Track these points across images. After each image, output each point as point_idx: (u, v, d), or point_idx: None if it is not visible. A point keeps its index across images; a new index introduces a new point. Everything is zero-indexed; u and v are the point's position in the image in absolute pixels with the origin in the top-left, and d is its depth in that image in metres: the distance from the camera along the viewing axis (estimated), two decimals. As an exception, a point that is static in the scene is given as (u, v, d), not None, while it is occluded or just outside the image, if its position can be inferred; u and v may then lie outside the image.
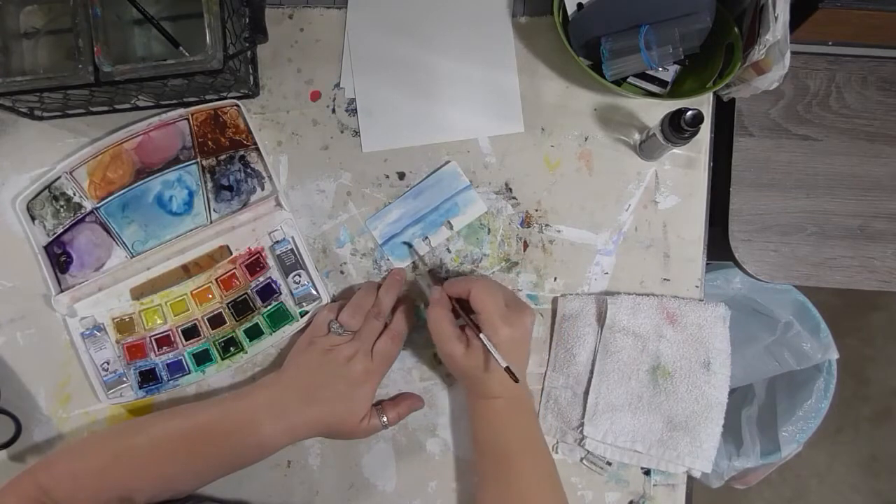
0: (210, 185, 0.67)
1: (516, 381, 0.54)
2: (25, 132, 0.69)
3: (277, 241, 0.65)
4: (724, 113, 0.72)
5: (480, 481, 0.60)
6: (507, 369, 0.54)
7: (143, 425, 0.59)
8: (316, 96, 0.69)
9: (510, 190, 0.67)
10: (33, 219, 0.67)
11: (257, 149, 0.67)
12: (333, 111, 0.69)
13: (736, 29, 0.63)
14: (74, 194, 0.67)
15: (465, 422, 0.65)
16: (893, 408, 1.51)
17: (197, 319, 0.66)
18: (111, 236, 0.67)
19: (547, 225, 0.67)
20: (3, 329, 0.67)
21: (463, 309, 0.59)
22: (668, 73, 0.66)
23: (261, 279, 0.66)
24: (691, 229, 0.66)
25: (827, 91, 0.73)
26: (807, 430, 1.05)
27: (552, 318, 0.66)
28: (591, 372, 0.64)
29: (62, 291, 0.65)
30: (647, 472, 0.64)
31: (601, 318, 0.64)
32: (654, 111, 0.67)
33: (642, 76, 0.66)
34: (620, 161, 0.67)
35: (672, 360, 0.63)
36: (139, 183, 0.67)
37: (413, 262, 0.67)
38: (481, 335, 0.55)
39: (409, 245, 0.66)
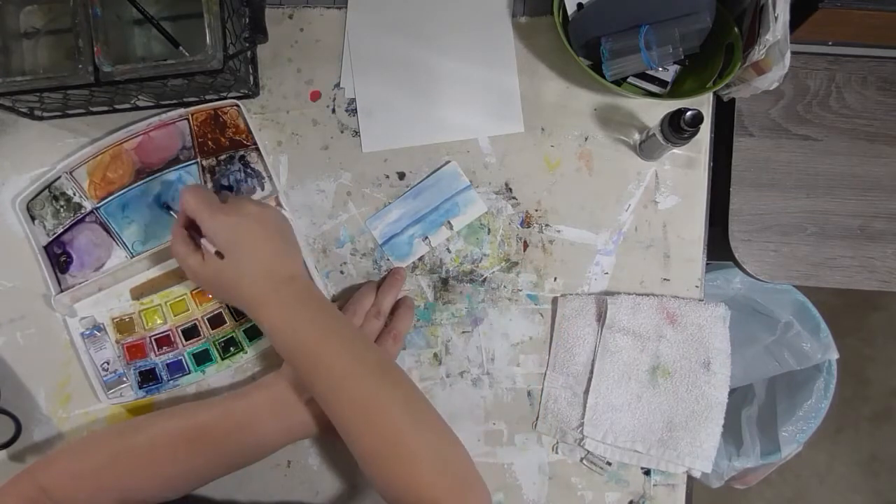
0: (210, 185, 0.67)
1: (221, 257, 0.53)
2: (25, 132, 0.69)
3: (277, 241, 0.65)
4: (724, 113, 0.72)
5: (306, 387, 0.56)
6: (217, 253, 0.53)
7: (142, 425, 0.59)
8: (316, 96, 0.69)
9: (510, 190, 0.67)
10: (33, 219, 0.67)
11: (257, 149, 0.67)
12: (333, 111, 0.69)
13: (736, 29, 0.63)
14: (74, 194, 0.67)
15: (466, 422, 0.65)
16: (893, 408, 1.51)
17: (197, 319, 0.66)
18: (111, 236, 0.67)
19: (547, 225, 0.67)
20: (3, 329, 0.67)
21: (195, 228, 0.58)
22: (668, 73, 0.66)
23: (261, 279, 0.65)
24: (691, 229, 0.66)
25: (827, 91, 0.73)
26: (807, 430, 1.05)
27: (552, 318, 0.66)
28: (591, 372, 0.64)
29: (62, 291, 0.65)
30: (647, 472, 0.64)
31: (601, 318, 0.64)
32: (654, 111, 0.67)
33: (642, 76, 0.66)
34: (620, 161, 0.67)
35: (672, 360, 0.63)
36: (139, 183, 0.67)
37: (413, 262, 0.67)
38: (203, 240, 0.54)
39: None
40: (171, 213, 0.65)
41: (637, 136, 0.67)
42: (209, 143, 0.67)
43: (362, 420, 0.51)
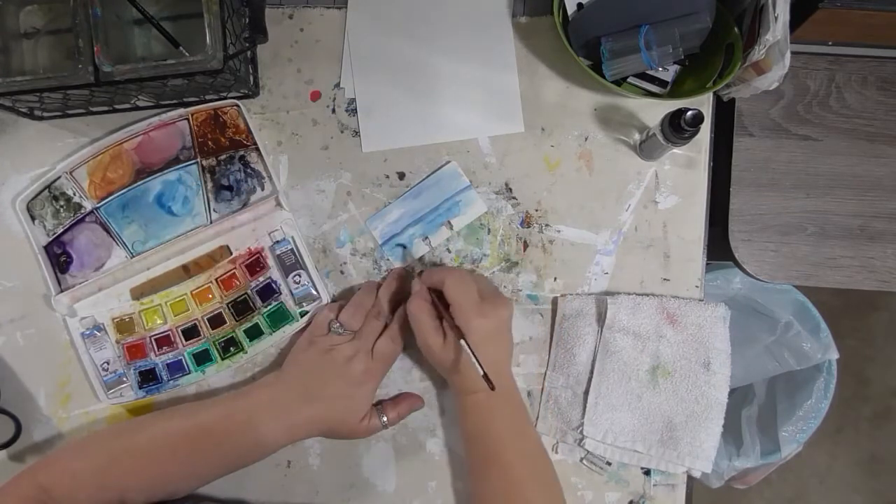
0: (210, 185, 0.67)
1: (492, 388, 0.53)
2: (25, 132, 0.69)
3: (277, 241, 0.65)
4: (724, 113, 0.72)
5: (471, 476, 0.60)
6: (485, 376, 0.53)
7: (142, 424, 0.59)
8: (316, 96, 0.69)
9: (510, 190, 0.67)
10: (33, 219, 0.67)
11: (257, 149, 0.67)
12: (333, 111, 0.69)
13: (736, 29, 0.63)
14: (74, 194, 0.67)
15: (465, 422, 0.65)
16: (893, 408, 1.51)
17: (197, 319, 0.66)
18: (111, 236, 0.67)
19: (547, 225, 0.67)
20: (3, 329, 0.67)
21: (441, 302, 0.59)
22: (668, 73, 0.66)
23: (261, 279, 0.66)
24: (691, 229, 0.66)
25: (827, 91, 0.73)
26: (807, 430, 1.05)
27: (552, 318, 0.66)
28: (591, 372, 0.64)
29: (62, 291, 0.65)
30: (647, 472, 0.64)
31: (601, 318, 0.64)
32: (654, 111, 0.67)
33: (642, 76, 0.66)
34: (620, 161, 0.67)
35: (672, 360, 0.63)
36: (139, 183, 0.67)
37: (412, 263, 0.67)
38: (462, 342, 0.55)
39: (404, 247, 0.66)
40: (407, 252, 0.66)
41: (637, 136, 0.67)
42: (209, 143, 0.67)
43: None
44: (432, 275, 0.60)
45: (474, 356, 0.54)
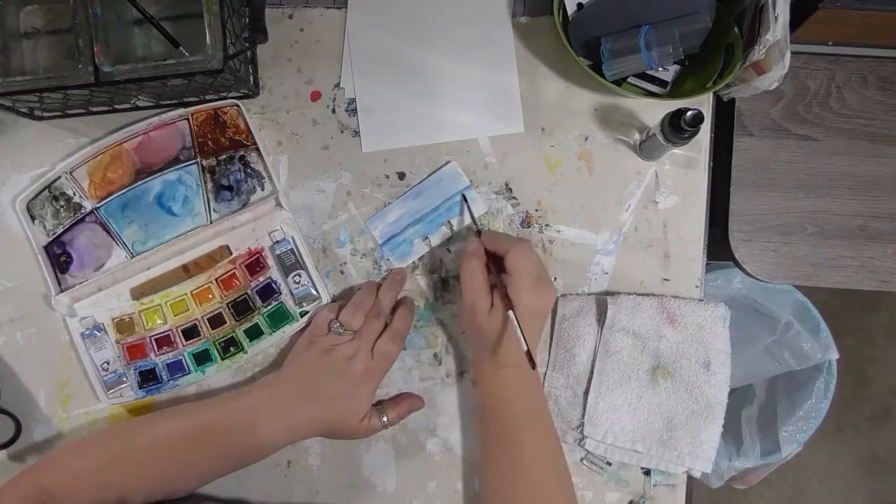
0: (210, 185, 0.67)
1: (533, 366, 0.53)
2: (25, 132, 0.69)
3: (277, 241, 0.65)
4: (724, 113, 0.72)
5: (483, 453, 0.60)
6: (528, 353, 0.53)
7: (143, 424, 0.59)
8: (316, 96, 0.69)
9: (510, 190, 0.67)
10: (33, 219, 0.67)
11: (257, 149, 0.67)
12: (333, 111, 0.69)
13: (736, 29, 0.63)
14: (74, 194, 0.67)
15: (466, 421, 0.65)
16: (893, 408, 1.51)
17: (197, 319, 0.66)
18: (111, 236, 0.67)
19: (547, 225, 0.67)
20: (3, 329, 0.67)
21: (497, 269, 0.58)
22: (668, 73, 0.66)
23: (261, 279, 0.66)
24: (691, 229, 0.66)
25: (827, 91, 0.73)
26: (807, 430, 1.05)
27: (552, 318, 0.66)
28: (591, 372, 0.64)
29: (62, 291, 0.65)
30: (647, 472, 0.64)
31: (601, 318, 0.64)
32: (654, 111, 0.67)
33: (642, 76, 0.66)
34: (620, 161, 0.67)
35: (672, 360, 0.63)
36: (139, 183, 0.67)
37: (413, 262, 0.67)
38: (510, 313, 0.54)
39: (465, 199, 0.66)
40: (466, 205, 0.65)
41: (637, 136, 0.67)
42: (209, 143, 0.67)
43: None
44: (497, 240, 0.59)
45: (521, 331, 0.53)
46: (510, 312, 0.54)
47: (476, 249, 0.60)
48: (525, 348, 0.53)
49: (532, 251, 0.59)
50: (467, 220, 0.66)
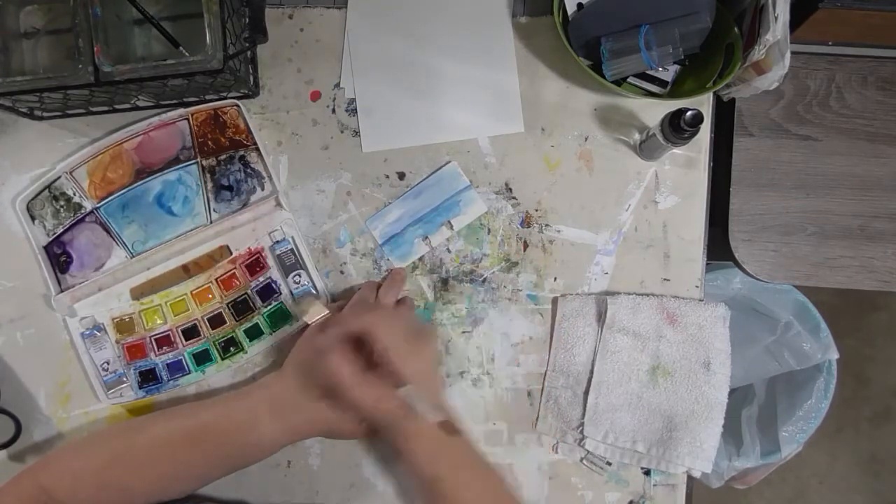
0: (210, 185, 0.67)
1: (454, 431, 0.51)
2: (25, 132, 0.69)
3: (277, 241, 0.65)
4: (724, 113, 0.72)
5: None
6: (445, 423, 0.51)
7: (143, 424, 0.59)
8: (316, 96, 0.69)
9: (510, 190, 0.67)
10: (33, 219, 0.67)
11: (257, 149, 0.67)
12: (333, 111, 0.69)
13: (736, 29, 0.63)
14: (74, 194, 0.67)
15: (466, 421, 0.65)
16: (893, 408, 1.51)
17: (197, 319, 0.66)
18: (111, 236, 0.67)
19: (547, 225, 0.67)
20: (3, 329, 0.67)
21: (364, 349, 0.56)
22: (668, 73, 0.66)
23: (261, 279, 0.66)
24: (691, 229, 0.66)
25: (827, 91, 0.73)
26: (807, 430, 1.05)
27: (552, 318, 0.66)
28: (591, 372, 0.64)
29: (62, 291, 0.65)
30: (647, 472, 0.64)
31: (601, 318, 0.64)
32: (654, 111, 0.67)
33: (642, 76, 0.66)
34: (620, 161, 0.67)
35: (672, 360, 0.63)
36: (139, 183, 0.67)
37: (413, 262, 0.67)
38: (403, 390, 0.52)
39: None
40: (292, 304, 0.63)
41: (637, 136, 0.67)
42: (209, 143, 0.67)
43: None
44: (348, 323, 0.56)
45: (421, 404, 0.52)
46: (402, 390, 0.53)
47: (333, 342, 0.55)
48: (438, 420, 0.51)
49: (387, 318, 0.56)
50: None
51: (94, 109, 0.68)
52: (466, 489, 0.54)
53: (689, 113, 0.56)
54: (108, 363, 0.65)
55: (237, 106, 0.66)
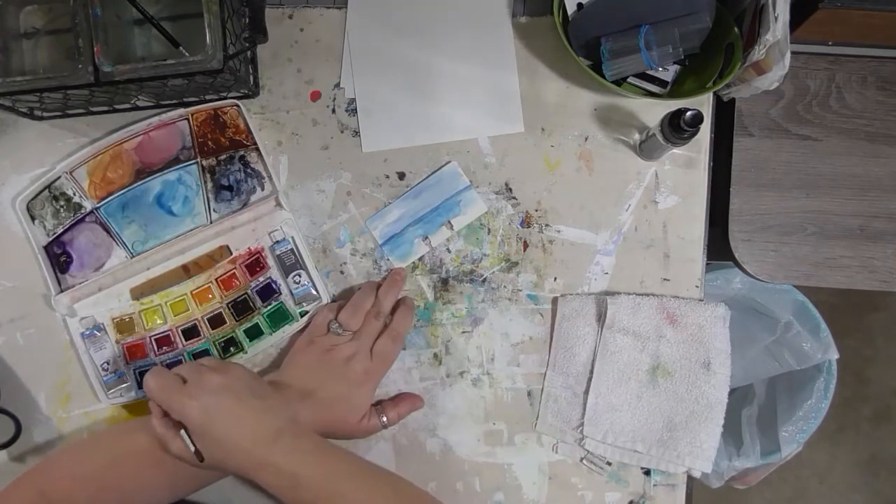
0: (210, 185, 0.67)
1: (201, 460, 0.50)
2: (25, 132, 0.69)
3: (277, 241, 0.65)
4: (724, 113, 0.72)
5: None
6: (196, 452, 0.50)
7: (143, 426, 0.59)
8: (316, 96, 0.69)
9: (510, 190, 0.67)
10: (33, 219, 0.67)
11: (257, 149, 0.67)
12: (333, 111, 0.69)
13: (736, 29, 0.63)
14: (74, 194, 0.67)
15: (466, 422, 0.65)
16: (893, 408, 1.51)
17: (197, 319, 0.66)
18: (111, 236, 0.67)
19: (547, 225, 0.67)
20: (3, 329, 0.67)
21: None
22: (668, 73, 0.66)
23: (261, 279, 0.66)
24: (691, 229, 0.66)
25: (827, 91, 0.73)
26: (807, 430, 1.05)
27: (552, 318, 0.66)
28: (591, 372, 0.64)
29: (62, 291, 0.65)
30: (647, 472, 0.64)
31: (601, 318, 0.64)
32: (654, 111, 0.67)
33: (642, 76, 0.66)
34: (620, 161, 0.67)
35: (672, 360, 0.63)
36: (139, 183, 0.67)
37: (413, 262, 0.67)
38: (182, 433, 0.51)
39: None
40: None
41: (637, 136, 0.67)
42: (209, 143, 0.67)
43: None
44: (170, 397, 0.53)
45: (187, 439, 0.51)
46: (183, 434, 0.51)
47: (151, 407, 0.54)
48: (192, 448, 0.50)
49: (155, 375, 0.53)
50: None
51: (94, 109, 0.68)
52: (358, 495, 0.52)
53: (689, 113, 0.56)
54: (108, 363, 0.65)
55: (237, 106, 0.66)
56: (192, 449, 0.51)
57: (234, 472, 0.56)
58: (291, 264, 0.65)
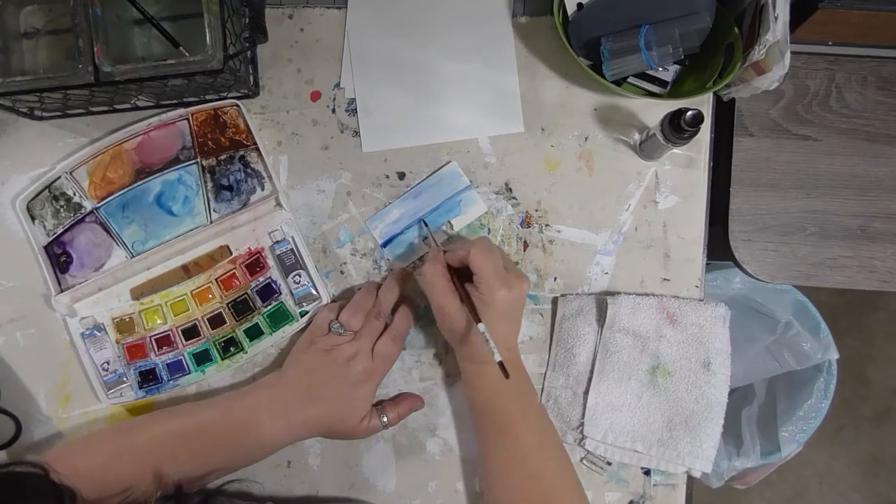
0: (210, 185, 0.67)
1: (507, 376, 0.53)
2: (25, 132, 0.69)
3: (277, 241, 0.65)
4: (724, 113, 0.72)
5: (481, 448, 0.60)
6: (501, 364, 0.53)
7: (144, 423, 0.59)
8: (316, 96, 0.69)
9: (510, 190, 0.67)
10: (33, 219, 0.67)
11: (257, 149, 0.67)
12: (333, 111, 0.69)
13: (736, 29, 0.63)
14: (74, 194, 0.67)
15: (466, 421, 0.65)
16: (893, 408, 1.51)
17: (197, 319, 0.66)
18: (111, 236, 0.67)
19: (547, 225, 0.67)
20: (3, 329, 0.67)
21: (460, 280, 0.58)
22: (668, 73, 0.66)
23: (261, 279, 0.66)
24: (691, 229, 0.66)
25: (827, 91, 0.73)
26: (807, 430, 1.05)
27: (552, 318, 0.66)
28: (591, 372, 0.64)
29: (62, 291, 0.65)
30: (647, 472, 0.64)
31: (601, 318, 0.64)
32: (654, 111, 0.67)
33: (642, 76, 0.66)
34: (620, 161, 0.67)
35: (672, 360, 0.63)
36: (139, 183, 0.67)
37: (413, 263, 0.67)
38: (478, 326, 0.54)
39: (426, 224, 0.66)
40: (426, 229, 0.66)
41: (637, 136, 0.67)
42: (209, 143, 0.67)
43: (538, 498, 0.56)
44: (455, 251, 0.59)
45: (491, 342, 0.54)
46: (480, 325, 0.54)
47: (435, 256, 0.60)
48: (498, 359, 0.53)
49: (490, 246, 0.58)
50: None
51: (94, 109, 0.68)
52: (520, 418, 0.58)
53: (689, 113, 0.56)
54: (108, 363, 0.65)
55: (237, 106, 0.66)
56: (497, 359, 0.53)
57: (457, 345, 0.60)
58: (291, 264, 0.65)
